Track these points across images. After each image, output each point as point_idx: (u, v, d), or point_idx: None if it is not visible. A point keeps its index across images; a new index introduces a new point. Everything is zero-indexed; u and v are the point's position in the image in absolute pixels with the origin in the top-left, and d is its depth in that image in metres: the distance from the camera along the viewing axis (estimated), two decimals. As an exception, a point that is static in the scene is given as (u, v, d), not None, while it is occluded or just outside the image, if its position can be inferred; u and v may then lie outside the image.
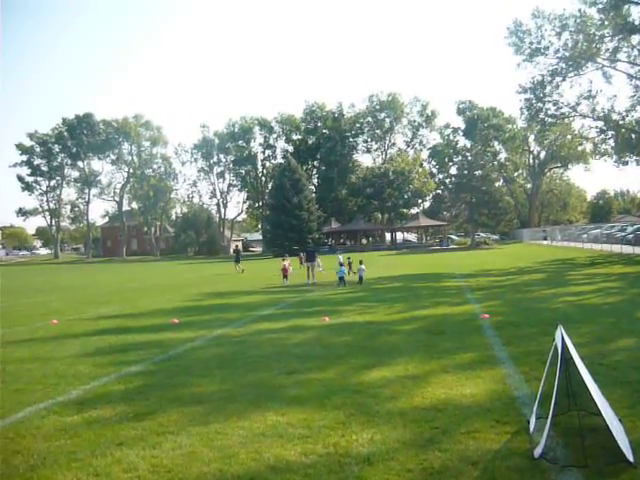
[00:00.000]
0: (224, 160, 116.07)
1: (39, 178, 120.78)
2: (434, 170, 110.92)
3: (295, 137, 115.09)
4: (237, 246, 74.85)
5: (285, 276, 30.13)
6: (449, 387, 7.83)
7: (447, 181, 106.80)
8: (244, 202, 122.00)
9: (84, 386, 8.74)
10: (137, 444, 6.15)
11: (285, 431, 6.35)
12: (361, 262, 27.78)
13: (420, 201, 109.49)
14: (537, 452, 5.34)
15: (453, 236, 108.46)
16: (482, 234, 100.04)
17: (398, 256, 65.58)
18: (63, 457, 5.86)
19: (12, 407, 7.74)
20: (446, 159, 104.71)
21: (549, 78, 47.70)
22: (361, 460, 5.44)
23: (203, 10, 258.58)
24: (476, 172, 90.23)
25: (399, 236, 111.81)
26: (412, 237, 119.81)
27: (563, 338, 5.52)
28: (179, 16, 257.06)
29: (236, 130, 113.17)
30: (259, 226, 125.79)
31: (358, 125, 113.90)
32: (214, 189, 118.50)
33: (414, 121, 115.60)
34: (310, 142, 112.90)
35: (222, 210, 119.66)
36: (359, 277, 27.36)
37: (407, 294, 21.08)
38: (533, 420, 6.11)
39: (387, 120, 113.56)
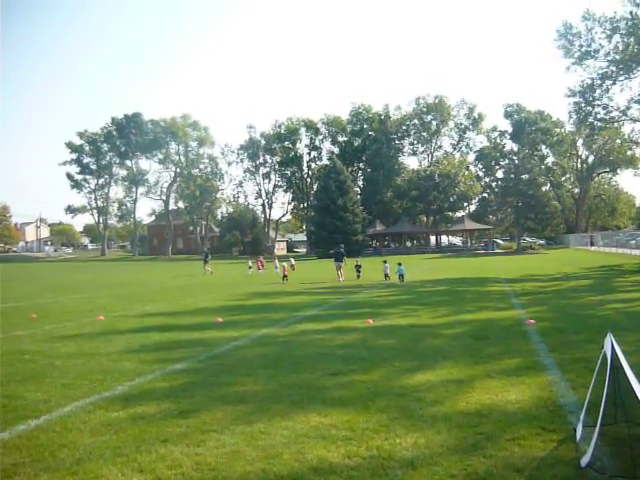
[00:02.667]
0: (270, 161, 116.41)
1: (88, 176, 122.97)
2: (480, 173, 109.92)
3: (341, 139, 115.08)
4: (206, 247, 74.82)
5: (285, 276, 33.02)
6: (494, 393, 7.70)
7: (493, 184, 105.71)
8: (289, 203, 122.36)
9: (129, 382, 8.82)
10: (181, 441, 6.16)
11: (328, 432, 6.30)
12: (400, 264, 30.32)
13: (466, 204, 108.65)
14: (584, 461, 5.22)
15: (498, 240, 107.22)
16: (528, 239, 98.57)
17: (443, 259, 65.20)
18: (108, 452, 5.90)
19: (59, 401, 7.83)
20: (493, 162, 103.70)
21: (599, 81, 46.78)
22: (405, 464, 5.36)
23: (250, 12, 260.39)
24: (523, 176, 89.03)
25: (444, 239, 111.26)
26: (457, 240, 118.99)
27: (613, 346, 5.40)
28: (227, 17, 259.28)
29: (282, 131, 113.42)
30: (304, 227, 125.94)
31: (404, 127, 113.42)
32: (260, 190, 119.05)
33: (461, 124, 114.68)
34: (356, 144, 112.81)
35: (267, 211, 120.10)
36: (399, 276, 29.53)
37: (451, 298, 20.94)
38: (580, 428, 5.97)
39: (434, 123, 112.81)
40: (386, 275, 31.25)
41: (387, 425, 6.49)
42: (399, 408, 7.12)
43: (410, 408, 7.11)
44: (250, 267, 45.95)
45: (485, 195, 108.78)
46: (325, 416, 6.86)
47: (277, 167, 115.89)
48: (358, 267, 32.81)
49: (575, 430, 6.04)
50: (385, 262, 32.40)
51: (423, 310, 17.32)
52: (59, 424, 6.85)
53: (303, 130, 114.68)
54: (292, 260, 47.71)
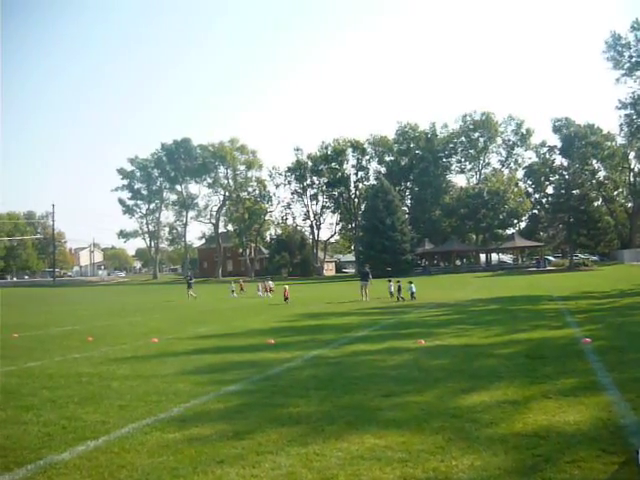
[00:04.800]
0: (317, 182, 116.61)
1: (139, 201, 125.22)
2: (530, 190, 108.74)
3: (388, 158, 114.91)
4: (189, 271, 74.11)
5: (286, 298, 33.95)
6: (551, 413, 7.57)
7: (544, 201, 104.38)
8: (337, 224, 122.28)
9: (184, 404, 8.90)
10: (237, 463, 6.18)
11: (383, 454, 6.26)
12: (411, 282, 32.39)
13: (515, 221, 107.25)
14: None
15: (550, 257, 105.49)
16: (580, 255, 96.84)
17: (493, 277, 64.51)
18: (166, 473, 5.97)
19: (117, 422, 7.95)
20: (542, 178, 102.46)
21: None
22: (462, 486, 5.33)
23: (294, 35, 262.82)
24: (574, 191, 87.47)
25: (494, 257, 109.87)
26: (507, 258, 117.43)
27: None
28: (273, 41, 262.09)
29: (329, 152, 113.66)
30: (352, 247, 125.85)
31: (451, 145, 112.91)
32: (307, 211, 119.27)
33: (509, 140, 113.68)
34: (403, 163, 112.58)
35: (315, 232, 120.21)
36: (411, 294, 31.16)
37: (504, 317, 20.69)
38: (643, 450, 5.84)
39: (481, 140, 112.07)
40: (391, 293, 33.39)
41: (443, 447, 6.43)
42: (454, 429, 7.05)
43: (465, 429, 7.03)
44: (233, 291, 46.21)
45: (535, 212, 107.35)
46: (380, 437, 6.83)
47: (324, 188, 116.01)
48: (400, 288, 32.42)
49: (638, 452, 5.86)
50: (389, 281, 35.00)
51: (475, 330, 17.15)
52: (117, 445, 6.95)
53: (350, 151, 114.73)
54: (270, 283, 47.84)
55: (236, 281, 55.03)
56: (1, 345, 17.55)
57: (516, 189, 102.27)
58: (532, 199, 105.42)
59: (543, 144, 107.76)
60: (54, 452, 6.76)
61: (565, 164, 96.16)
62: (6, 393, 10.20)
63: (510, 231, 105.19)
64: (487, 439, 6.64)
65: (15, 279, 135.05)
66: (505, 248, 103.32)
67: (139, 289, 69.51)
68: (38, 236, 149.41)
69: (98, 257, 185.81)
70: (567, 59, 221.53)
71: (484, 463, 5.88)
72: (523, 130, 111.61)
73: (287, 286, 36.22)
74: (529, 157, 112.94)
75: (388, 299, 32.79)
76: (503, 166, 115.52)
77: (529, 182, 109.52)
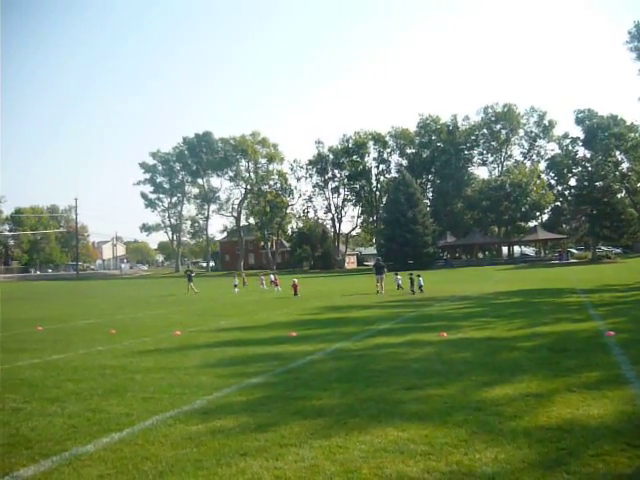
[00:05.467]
0: (339, 175, 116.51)
1: (161, 195, 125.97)
2: (552, 182, 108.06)
3: (409, 151, 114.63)
4: (188, 266, 72.91)
5: (295, 292, 33.40)
6: (575, 407, 7.51)
7: (566, 193, 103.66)
8: (358, 216, 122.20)
9: (207, 396, 8.94)
10: (260, 455, 6.19)
11: (407, 447, 6.25)
12: (419, 275, 32.70)
13: (538, 214, 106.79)
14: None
15: (573, 250, 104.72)
16: (604, 247, 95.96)
17: (515, 270, 64.12)
18: (190, 465, 5.99)
19: (141, 415, 8.00)
20: (565, 170, 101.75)
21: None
22: (485, 480, 5.30)
23: (316, 28, 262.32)
24: (597, 183, 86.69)
25: (516, 250, 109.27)
26: (530, 251, 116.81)
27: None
28: (294, 34, 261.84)
29: (350, 145, 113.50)
30: (373, 240, 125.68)
31: (473, 137, 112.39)
32: (329, 204, 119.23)
33: (531, 132, 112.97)
34: (424, 155, 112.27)
35: (337, 225, 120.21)
36: (418, 287, 31.66)
37: (526, 310, 20.56)
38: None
39: (503, 132, 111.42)
40: (398, 286, 34.96)
41: (466, 440, 6.41)
42: (477, 422, 7.02)
43: (489, 422, 7.00)
44: (236, 285, 45.36)
45: (558, 204, 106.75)
46: (403, 430, 6.81)
47: (346, 181, 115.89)
48: (413, 281, 32.49)
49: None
50: (396, 274, 37.44)
51: (498, 322, 17.06)
52: (141, 437, 7.00)
53: (371, 143, 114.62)
54: (272, 276, 47.94)
55: (239, 275, 54.71)
56: (26, 338, 17.76)
57: (538, 181, 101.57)
58: (554, 191, 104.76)
59: (566, 136, 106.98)
60: (79, 444, 6.82)
61: (588, 156, 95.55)
62: (31, 385, 10.31)
63: (532, 224, 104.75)
64: (511, 432, 6.60)
65: (39, 272, 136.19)
66: (527, 241, 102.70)
67: (161, 282, 69.90)
68: (61, 230, 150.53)
69: (121, 251, 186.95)
70: (590, 50, 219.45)
71: (508, 456, 5.85)
72: (545, 122, 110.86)
73: (296, 279, 35.96)
74: (551, 149, 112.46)
75: (396, 292, 33.27)
76: (525, 158, 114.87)
77: (551, 174, 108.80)
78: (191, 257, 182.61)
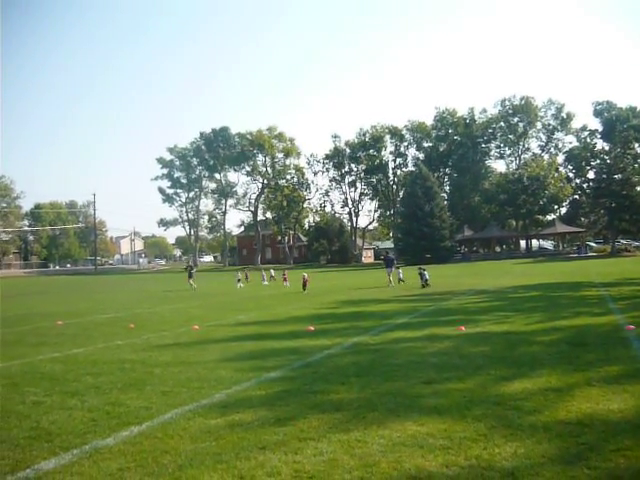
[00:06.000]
0: (355, 169, 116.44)
1: (179, 190, 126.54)
2: (571, 175, 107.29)
3: (426, 144, 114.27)
4: (189, 261, 71.44)
5: (304, 286, 33.09)
6: (595, 401, 7.46)
7: (585, 186, 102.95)
8: (375, 211, 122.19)
9: (226, 390, 8.96)
10: (279, 449, 6.20)
11: (425, 441, 6.23)
12: (424, 269, 33.02)
13: (556, 207, 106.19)
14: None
15: (591, 243, 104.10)
16: (623, 241, 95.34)
17: (534, 264, 63.83)
18: (209, 458, 6.01)
19: (160, 408, 8.03)
20: (583, 163, 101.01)
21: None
22: (505, 474, 5.25)
23: (331, 22, 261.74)
24: (616, 176, 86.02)
25: (534, 243, 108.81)
26: (548, 244, 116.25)
27: None
28: (310, 30, 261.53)
29: (367, 139, 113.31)
30: (390, 234, 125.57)
31: (490, 131, 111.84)
32: (346, 198, 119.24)
33: (549, 125, 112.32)
34: (441, 149, 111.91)
35: (354, 219, 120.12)
36: (425, 280, 31.81)
37: (545, 303, 20.46)
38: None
39: (520, 124, 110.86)
40: (400, 279, 34.93)
41: (485, 434, 6.38)
42: (497, 417, 6.99)
43: (508, 417, 6.97)
44: (239, 280, 44.70)
45: (576, 197, 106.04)
46: (421, 425, 6.79)
47: (363, 175, 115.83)
48: (422, 275, 32.54)
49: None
50: (399, 268, 38.07)
51: (516, 316, 16.98)
52: (160, 431, 7.03)
53: (388, 137, 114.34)
54: (272, 271, 47.79)
55: (242, 270, 54.23)
56: (46, 332, 17.90)
57: (556, 174, 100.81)
58: (573, 184, 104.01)
59: (584, 128, 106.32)
60: (99, 437, 6.87)
61: (606, 148, 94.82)
62: (51, 379, 10.38)
63: (551, 217, 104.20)
64: (530, 427, 6.57)
65: (57, 267, 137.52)
66: (545, 234, 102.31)
67: (179, 277, 70.02)
68: (80, 225, 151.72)
69: (139, 245, 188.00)
70: (608, 41, 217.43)
71: (527, 451, 5.82)
72: (563, 114, 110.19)
73: (306, 274, 35.58)
74: (569, 142, 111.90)
75: (402, 285, 33.62)
76: (543, 151, 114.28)
77: (570, 167, 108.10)
78: (209, 252, 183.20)
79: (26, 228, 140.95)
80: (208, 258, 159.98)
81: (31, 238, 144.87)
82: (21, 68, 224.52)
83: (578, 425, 6.55)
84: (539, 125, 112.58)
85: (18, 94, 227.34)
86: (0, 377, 10.74)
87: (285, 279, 42.98)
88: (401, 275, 35.54)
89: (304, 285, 33.34)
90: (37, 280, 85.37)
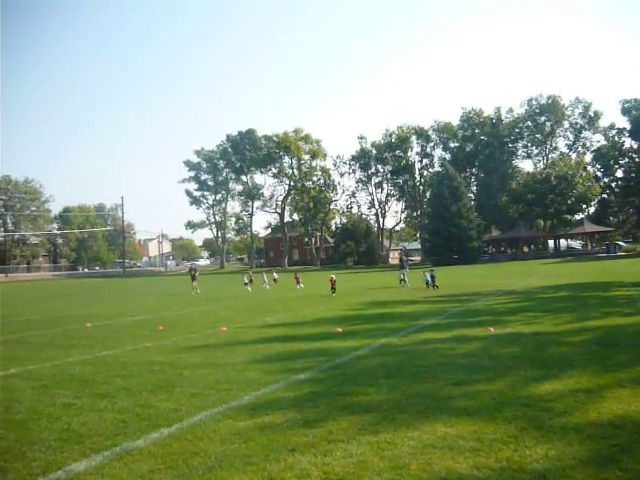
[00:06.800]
0: (382, 170, 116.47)
1: (206, 192, 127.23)
2: (599, 174, 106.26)
3: (452, 145, 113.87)
4: (192, 264, 69.90)
5: (333, 289, 31.74)
6: (626, 402, 7.40)
7: (613, 185, 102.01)
8: (402, 211, 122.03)
9: (255, 392, 8.98)
10: (308, 451, 6.21)
11: (455, 443, 6.21)
12: (432, 270, 34.38)
13: (584, 206, 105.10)
14: None
15: (621, 243, 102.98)
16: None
17: (562, 264, 63.35)
18: (239, 460, 6.02)
19: (189, 410, 8.07)
20: (611, 162, 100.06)
21: None
22: (536, 476, 5.21)
23: (359, 24, 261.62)
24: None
25: (562, 243, 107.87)
26: (576, 244, 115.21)
27: None
28: (336, 32, 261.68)
29: (393, 140, 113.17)
30: (417, 235, 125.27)
31: (517, 130, 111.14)
32: (372, 199, 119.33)
33: (576, 123, 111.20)
34: (468, 149, 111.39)
35: (381, 220, 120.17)
36: (426, 282, 32.96)
37: (574, 304, 20.30)
38: None
39: (547, 124, 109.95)
40: (401, 280, 36.42)
41: (515, 436, 6.34)
42: (527, 418, 6.94)
43: (538, 418, 6.92)
44: (246, 283, 43.03)
45: (605, 196, 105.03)
46: (451, 426, 6.76)
47: (389, 176, 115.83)
48: (432, 277, 32.70)
49: None
50: (401, 269, 38.99)
51: (545, 317, 16.85)
52: (190, 432, 7.06)
53: (414, 138, 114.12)
54: (275, 274, 47.60)
55: (246, 272, 52.69)
56: (75, 334, 18.06)
57: (584, 173, 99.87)
58: (601, 183, 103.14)
59: (612, 126, 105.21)
60: (129, 439, 6.91)
61: (635, 146, 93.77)
62: (82, 381, 10.47)
63: (579, 216, 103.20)
64: (561, 428, 6.52)
65: (86, 270, 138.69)
66: (574, 234, 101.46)
67: (206, 279, 70.35)
68: (108, 228, 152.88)
69: (166, 248, 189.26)
70: (636, 38, 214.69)
71: (558, 453, 5.77)
72: (591, 113, 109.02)
73: (334, 275, 34.16)
74: (597, 140, 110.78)
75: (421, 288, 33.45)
76: (571, 150, 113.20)
77: (598, 166, 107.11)
78: (236, 254, 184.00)
79: (55, 231, 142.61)
80: (204, 262, 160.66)
81: (60, 241, 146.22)
82: (51, 73, 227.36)
83: (610, 427, 6.49)
84: (566, 124, 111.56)
85: (48, 98, 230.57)
86: (31, 379, 10.85)
87: (298, 281, 42.20)
88: (402, 276, 36.74)
89: (333, 287, 32.13)
90: (66, 283, 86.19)
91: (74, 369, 11.74)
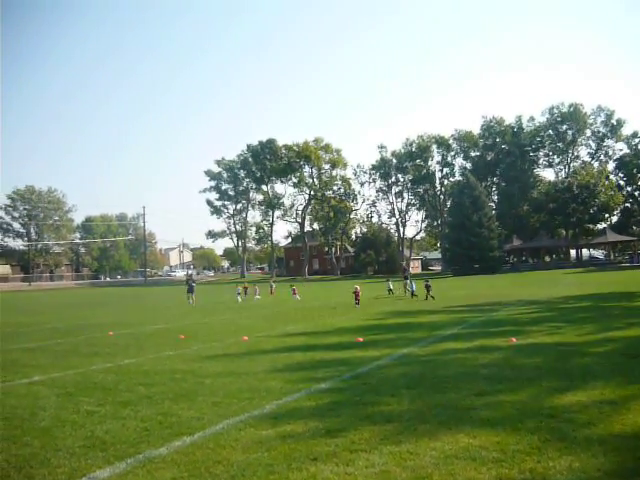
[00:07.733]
0: (402, 179, 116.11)
1: (226, 202, 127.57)
2: (622, 182, 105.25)
3: (473, 154, 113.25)
4: (190, 274, 68.33)
5: (357, 300, 30.69)
6: (651, 414, 7.32)
7: (636, 194, 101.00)
8: (423, 221, 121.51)
9: (277, 401, 9.02)
10: (330, 460, 6.22)
11: (478, 454, 6.20)
12: (428, 280, 35.41)
13: (607, 215, 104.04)
14: None
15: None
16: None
17: (584, 274, 62.77)
18: (261, 469, 6.05)
19: (211, 419, 8.12)
20: (635, 170, 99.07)
21: None
22: (560, 488, 5.20)
23: (377, 31, 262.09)
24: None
25: (585, 253, 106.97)
26: (599, 254, 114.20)
27: None
28: (354, 39, 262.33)
29: (413, 149, 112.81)
30: (438, 244, 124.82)
31: (538, 139, 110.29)
32: (393, 208, 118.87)
33: (598, 132, 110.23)
34: (489, 158, 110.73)
35: (401, 229, 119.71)
36: (411, 291, 35.36)
37: (597, 314, 20.15)
38: None
39: (569, 132, 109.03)
40: (389, 290, 39.54)
41: (539, 447, 6.32)
42: (550, 430, 6.91)
43: (562, 430, 6.88)
44: (239, 293, 42.98)
45: (628, 205, 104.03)
46: (474, 437, 6.76)
47: (409, 185, 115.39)
48: (428, 287, 32.76)
49: None
50: (388, 280, 43.25)
51: (568, 327, 16.76)
52: (212, 441, 7.10)
53: (434, 147, 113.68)
54: (273, 284, 48.29)
55: (241, 283, 51.58)
56: (98, 343, 18.20)
57: (607, 182, 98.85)
58: (624, 192, 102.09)
59: (635, 135, 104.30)
60: (152, 447, 6.98)
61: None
62: (104, 389, 10.56)
63: (601, 226, 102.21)
64: (585, 440, 6.48)
65: (108, 279, 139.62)
66: (596, 243, 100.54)
67: (227, 288, 70.50)
68: (130, 237, 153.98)
69: (187, 257, 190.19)
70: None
71: (582, 465, 5.74)
72: (613, 121, 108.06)
73: (358, 286, 32.75)
74: (620, 149, 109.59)
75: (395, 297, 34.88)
76: (593, 159, 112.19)
77: (620, 175, 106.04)
78: (256, 263, 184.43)
79: (78, 240, 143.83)
80: (210, 272, 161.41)
81: (82, 250, 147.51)
82: (77, 85, 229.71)
83: (634, 438, 6.47)
84: (588, 132, 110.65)
85: (75, 110, 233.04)
86: (55, 387, 10.96)
87: (294, 292, 40.95)
88: (391, 287, 40.05)
89: (357, 299, 30.66)
90: (88, 291, 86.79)
91: (97, 377, 11.84)
